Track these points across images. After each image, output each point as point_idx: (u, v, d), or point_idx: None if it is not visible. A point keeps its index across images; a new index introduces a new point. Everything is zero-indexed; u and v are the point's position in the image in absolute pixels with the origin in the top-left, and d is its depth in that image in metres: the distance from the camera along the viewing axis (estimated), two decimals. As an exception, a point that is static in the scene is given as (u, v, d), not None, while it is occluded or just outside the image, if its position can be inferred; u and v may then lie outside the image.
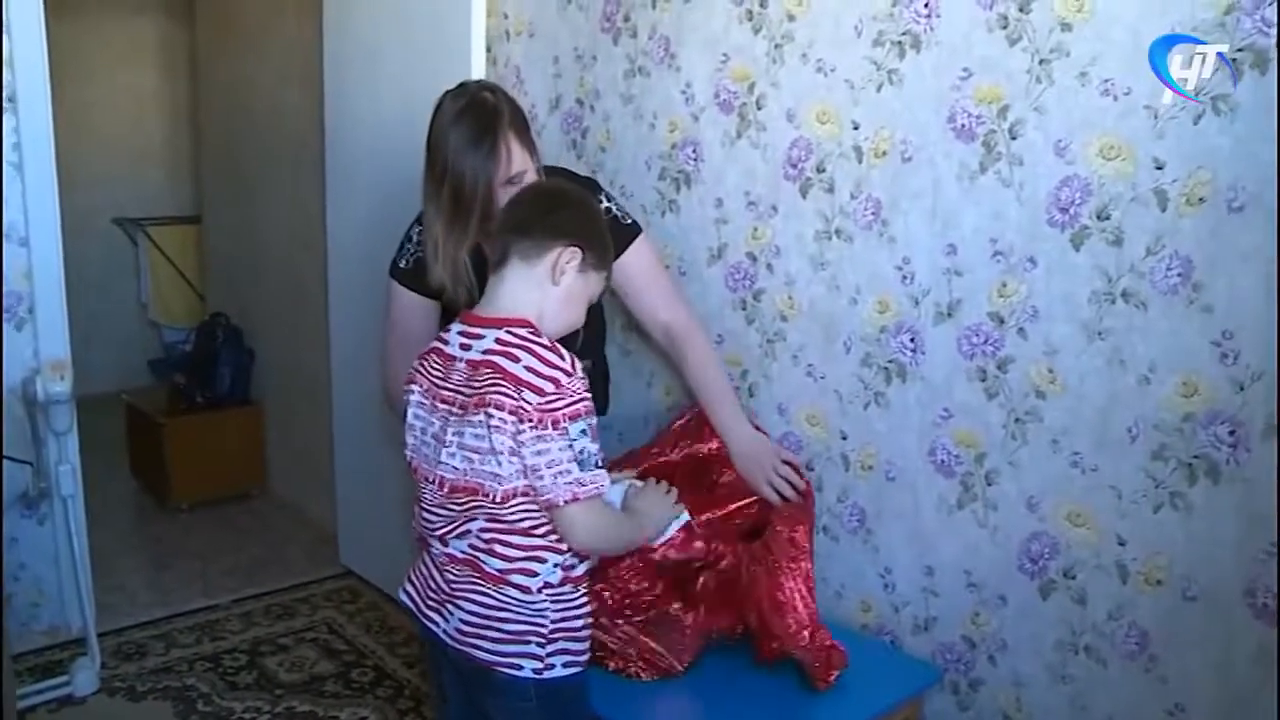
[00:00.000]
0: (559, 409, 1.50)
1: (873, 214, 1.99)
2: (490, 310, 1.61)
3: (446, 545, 1.63)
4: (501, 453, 1.51)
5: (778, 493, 2.00)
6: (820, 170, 2.06)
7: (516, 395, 1.49)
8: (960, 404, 1.89)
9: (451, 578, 1.63)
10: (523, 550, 1.57)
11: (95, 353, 5.07)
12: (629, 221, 2.10)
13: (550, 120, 2.67)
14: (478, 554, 1.59)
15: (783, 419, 2.21)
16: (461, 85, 1.95)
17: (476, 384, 1.54)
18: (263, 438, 4.21)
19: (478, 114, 1.86)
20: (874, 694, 1.84)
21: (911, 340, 1.95)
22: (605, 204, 2.06)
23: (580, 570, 1.63)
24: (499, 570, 1.57)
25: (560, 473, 1.51)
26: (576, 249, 1.60)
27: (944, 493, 1.94)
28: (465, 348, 1.59)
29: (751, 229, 2.22)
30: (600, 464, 1.54)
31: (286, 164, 3.84)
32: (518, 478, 1.52)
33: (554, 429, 1.49)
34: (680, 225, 2.37)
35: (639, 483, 1.82)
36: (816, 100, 2.05)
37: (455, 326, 1.64)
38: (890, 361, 1.99)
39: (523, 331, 1.56)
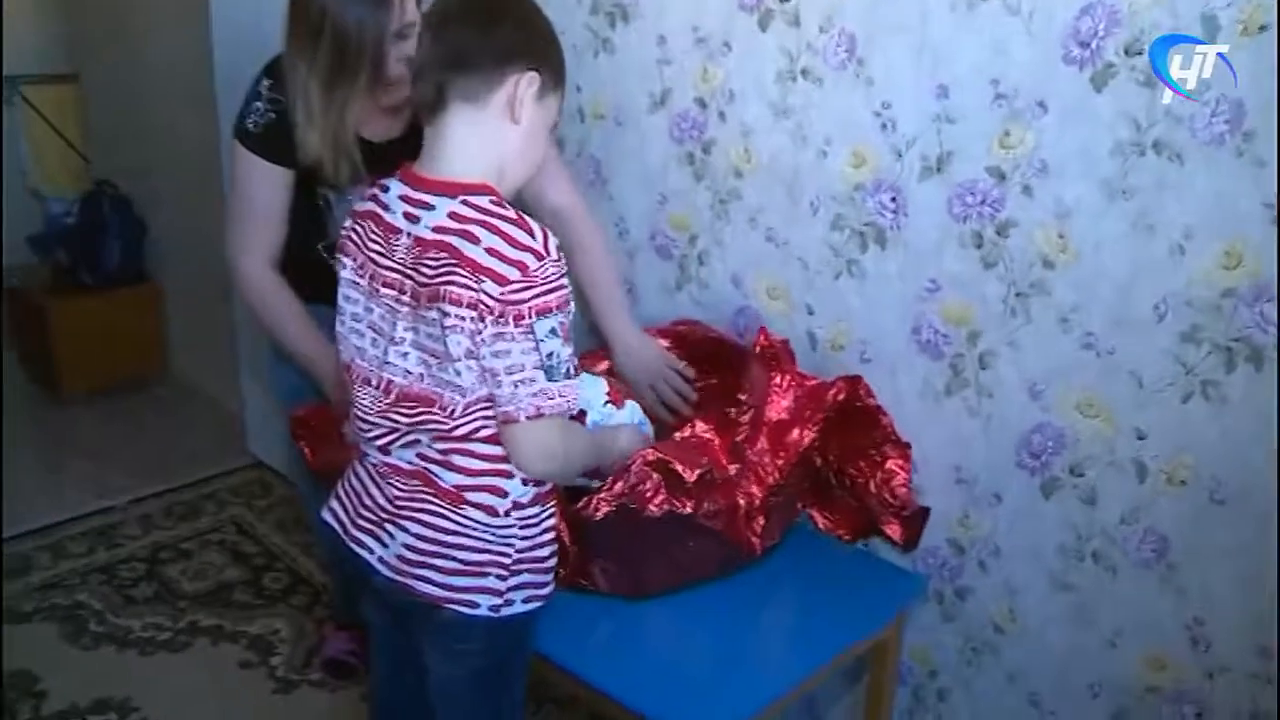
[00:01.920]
0: (525, 300, 1.19)
1: (846, 51, 1.66)
2: (438, 169, 1.27)
3: (388, 454, 1.34)
4: (459, 358, 1.22)
5: (665, 406, 1.81)
6: (782, 0, 1.72)
7: (476, 285, 1.19)
8: (951, 275, 1.61)
9: (397, 493, 1.34)
10: (488, 461, 1.29)
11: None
12: None
13: (460, -55, 2.27)
14: (430, 465, 1.30)
15: (738, 291, 1.92)
16: None
17: (429, 271, 1.23)
18: (161, 319, 3.82)
19: None
20: (852, 613, 1.60)
21: (893, 200, 1.66)
22: None
23: (549, 485, 1.36)
24: (457, 486, 1.29)
25: (522, 381, 1.21)
26: (534, 72, 1.27)
27: (930, 377, 1.67)
28: (411, 219, 1.27)
29: (701, 70, 1.87)
30: (573, 372, 1.24)
31: (170, 7, 3.35)
32: (481, 386, 1.24)
33: (516, 325, 1.19)
34: (616, 67, 2.02)
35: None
36: (778, -91, 1.70)
37: (394, 187, 1.31)
38: (867, 225, 1.70)
39: (483, 201, 1.24)
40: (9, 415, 3.59)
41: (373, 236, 1.31)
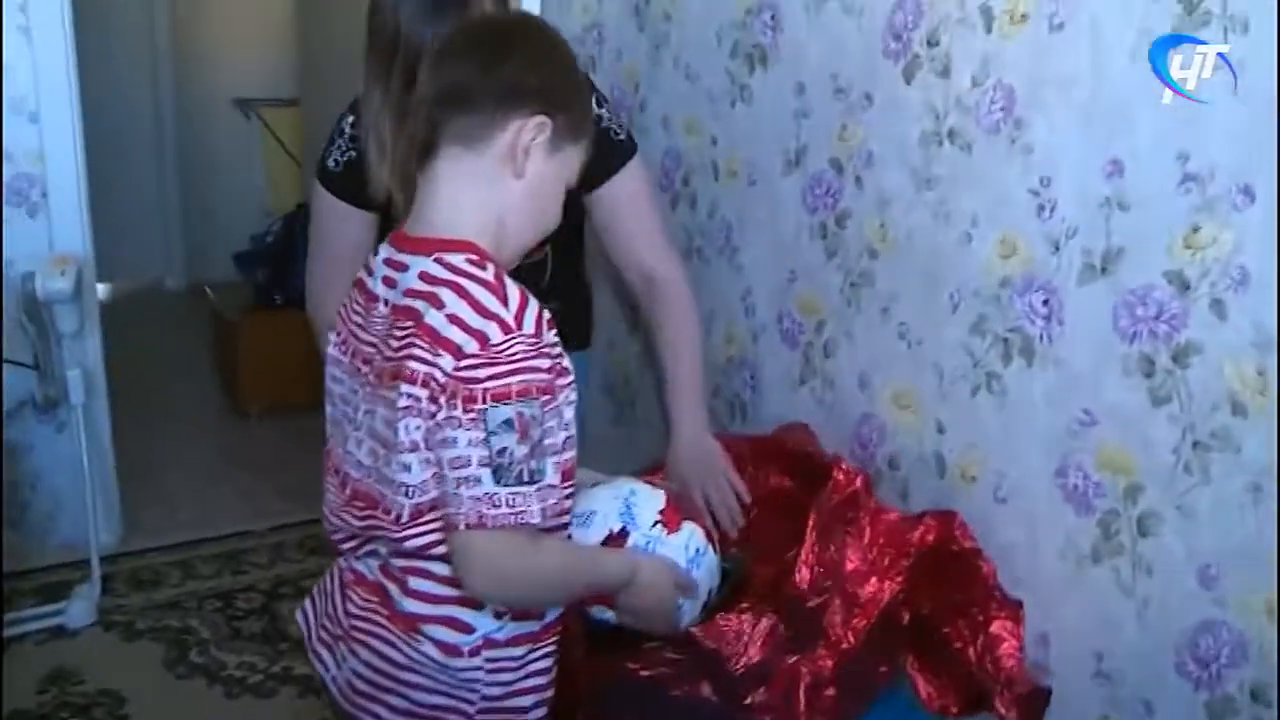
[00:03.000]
0: (479, 381, 0.97)
1: (1003, 109, 1.33)
2: (423, 227, 1.08)
3: (352, 560, 1.15)
4: (412, 449, 1.01)
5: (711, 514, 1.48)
6: (932, 43, 1.41)
7: (432, 359, 0.98)
8: (1110, 407, 1.24)
9: (354, 608, 1.13)
10: (450, 587, 1.06)
11: (216, 242, 4.86)
12: (622, 137, 1.57)
13: (611, -21, 2.08)
14: (389, 583, 1.10)
15: (863, 395, 1.60)
16: None
17: (395, 343, 1.03)
18: (341, 344, 3.86)
19: None
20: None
21: (1045, 303, 1.30)
22: (597, 110, 1.53)
23: (548, 618, 1.12)
24: (412, 614, 1.08)
25: (465, 480, 0.98)
26: (543, 117, 1.05)
27: (1074, 535, 1.30)
28: (389, 283, 1.08)
29: (839, 127, 1.58)
30: (533, 476, 0.99)
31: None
32: (434, 486, 1.02)
33: (465, 410, 0.97)
34: (753, 118, 1.76)
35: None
36: (934, -63, 1.39)
37: (382, 250, 1.12)
38: (1012, 331, 1.35)
39: (457, 259, 1.03)
40: (191, 425, 3.71)
41: (355, 307, 1.12)
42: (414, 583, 1.07)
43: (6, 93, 2.47)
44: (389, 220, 1.57)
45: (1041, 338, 1.31)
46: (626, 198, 1.56)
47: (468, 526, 0.99)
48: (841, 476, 1.37)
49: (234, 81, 4.91)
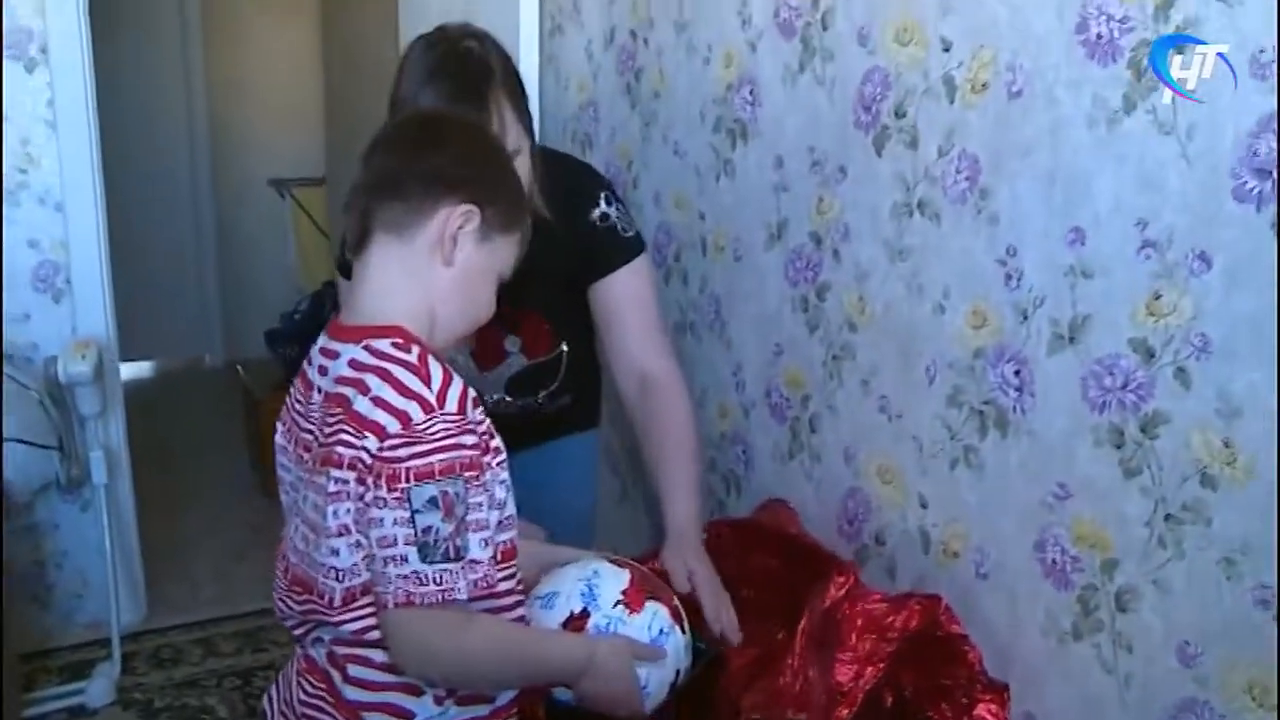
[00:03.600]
0: (402, 460, 0.98)
1: (968, 179, 1.32)
2: (355, 315, 1.10)
3: (305, 647, 1.15)
4: (340, 533, 1.02)
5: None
6: (899, 114, 1.41)
7: (358, 442, 1.00)
8: (1084, 480, 1.21)
9: (304, 695, 1.14)
10: (389, 673, 1.07)
11: (251, 319, 4.96)
12: (630, 234, 1.59)
13: (605, 59, 2.11)
14: (333, 670, 1.10)
15: (848, 469, 1.58)
16: (440, 29, 1.48)
17: (327, 430, 1.05)
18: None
19: (460, 69, 1.42)
20: None
21: (1017, 373, 1.28)
22: (605, 208, 1.57)
23: (498, 703, 1.12)
24: (354, 701, 1.08)
25: (392, 559, 0.99)
26: (472, 206, 1.07)
27: (1055, 610, 1.26)
28: (323, 372, 1.10)
29: (816, 199, 1.58)
30: (458, 553, 1.00)
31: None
32: (365, 570, 1.03)
33: (389, 489, 0.98)
34: (736, 192, 1.76)
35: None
36: (895, 12, 1.40)
37: (320, 339, 1.15)
38: (986, 403, 1.33)
39: (384, 344, 1.05)
40: (219, 502, 3.75)
41: (297, 396, 1.14)
42: (354, 670, 1.07)
43: (33, 184, 2.56)
44: None
45: (1015, 409, 1.28)
46: (628, 294, 1.58)
47: (396, 605, 1.00)
48: (839, 578, 1.34)
49: (269, 163, 5.04)
